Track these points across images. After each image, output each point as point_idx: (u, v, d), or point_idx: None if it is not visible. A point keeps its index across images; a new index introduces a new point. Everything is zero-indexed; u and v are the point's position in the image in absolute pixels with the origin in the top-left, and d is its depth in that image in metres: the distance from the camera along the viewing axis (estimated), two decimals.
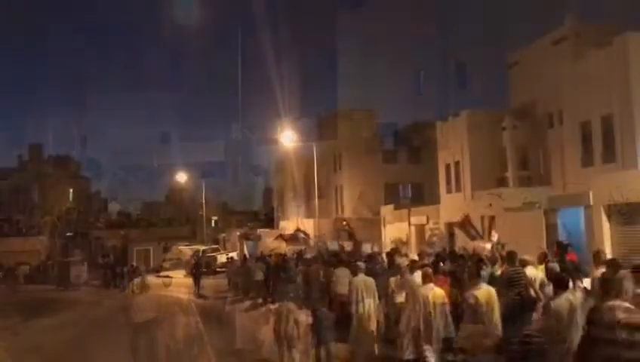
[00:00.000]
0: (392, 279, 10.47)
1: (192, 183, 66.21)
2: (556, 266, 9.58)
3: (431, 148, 39.02)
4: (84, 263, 40.04)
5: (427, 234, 31.19)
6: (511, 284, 8.56)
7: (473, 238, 19.81)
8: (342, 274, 12.58)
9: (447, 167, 32.79)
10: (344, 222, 23.21)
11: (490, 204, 26.24)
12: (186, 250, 46.95)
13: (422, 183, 42.42)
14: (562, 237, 22.01)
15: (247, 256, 30.31)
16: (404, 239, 32.47)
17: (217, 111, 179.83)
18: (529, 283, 8.62)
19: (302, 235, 31.11)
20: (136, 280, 31.64)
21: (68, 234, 68.98)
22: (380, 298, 10.51)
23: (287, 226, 44.69)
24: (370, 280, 10.57)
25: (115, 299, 27.79)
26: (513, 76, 32.81)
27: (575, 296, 6.27)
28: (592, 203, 20.27)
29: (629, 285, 5.25)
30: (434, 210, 32.08)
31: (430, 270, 8.95)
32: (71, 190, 79.70)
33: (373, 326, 10.01)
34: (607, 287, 5.33)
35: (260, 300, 21.71)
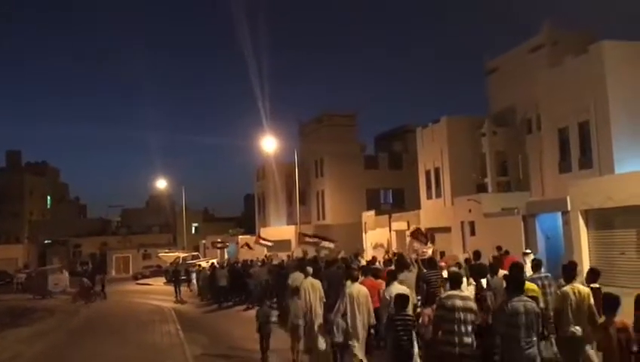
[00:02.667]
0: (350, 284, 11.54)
1: (172, 189, 65.80)
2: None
3: (412, 154, 39.23)
4: (63, 271, 39.34)
5: (407, 239, 31.28)
6: (427, 283, 10.99)
7: (422, 246, 21.48)
8: (296, 277, 13.87)
9: (428, 172, 32.95)
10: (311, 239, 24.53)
11: (470, 210, 26.44)
12: (166, 256, 46.50)
13: (403, 189, 42.62)
14: (540, 241, 22.33)
15: (225, 262, 31.03)
16: (385, 244, 32.53)
17: (200, 117, 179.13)
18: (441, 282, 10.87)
19: (264, 242, 32.51)
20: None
21: (46, 241, 67.97)
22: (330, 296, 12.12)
23: (269, 232, 44.53)
24: (317, 282, 12.22)
25: (92, 308, 27.42)
26: (492, 82, 33.10)
27: (465, 291, 7.96)
28: (569, 208, 20.51)
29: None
30: (414, 216, 32.19)
31: (356, 273, 10.81)
32: (49, 197, 78.67)
33: (319, 318, 11.39)
34: (452, 282, 7.36)
35: (226, 303, 23.95)
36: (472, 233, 26.31)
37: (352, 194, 43.01)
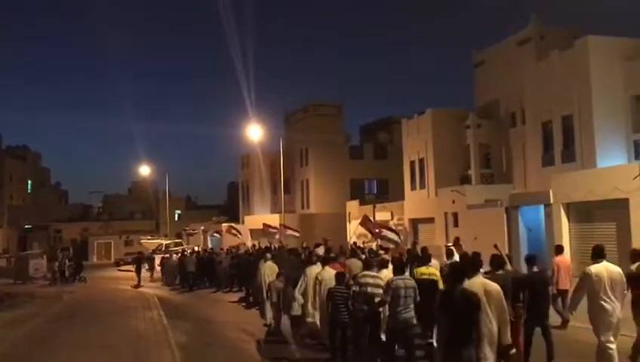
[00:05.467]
0: (309, 267, 12.29)
1: (155, 176, 65.29)
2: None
3: (397, 145, 39.37)
4: (44, 256, 38.99)
5: (357, 228, 31.50)
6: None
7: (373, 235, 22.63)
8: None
9: (412, 163, 33.13)
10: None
11: (454, 201, 26.67)
12: (148, 243, 46.27)
13: (387, 179, 42.78)
14: (522, 233, 22.62)
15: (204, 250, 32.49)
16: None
17: (184, 104, 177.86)
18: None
19: (234, 231, 33.30)
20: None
21: (26, 226, 67.19)
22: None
23: (253, 220, 44.50)
24: (274, 265, 14.25)
25: (74, 293, 27.28)
26: (478, 75, 33.29)
27: (384, 274, 9.59)
28: (552, 201, 20.79)
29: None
30: (398, 206, 32.40)
31: (315, 258, 12.99)
32: (30, 181, 77.67)
33: (275, 297, 12.57)
34: (364, 264, 10.13)
35: (194, 288, 25.46)
36: (456, 224, 26.57)
37: (336, 183, 43.12)
